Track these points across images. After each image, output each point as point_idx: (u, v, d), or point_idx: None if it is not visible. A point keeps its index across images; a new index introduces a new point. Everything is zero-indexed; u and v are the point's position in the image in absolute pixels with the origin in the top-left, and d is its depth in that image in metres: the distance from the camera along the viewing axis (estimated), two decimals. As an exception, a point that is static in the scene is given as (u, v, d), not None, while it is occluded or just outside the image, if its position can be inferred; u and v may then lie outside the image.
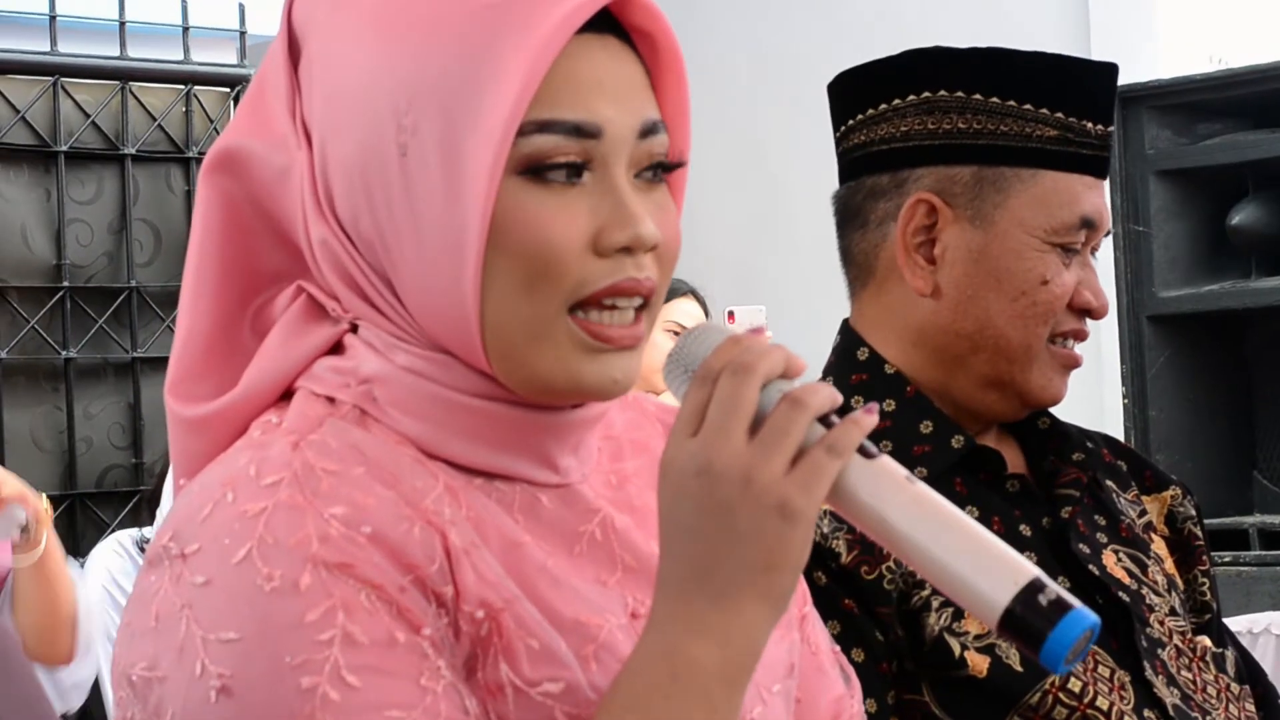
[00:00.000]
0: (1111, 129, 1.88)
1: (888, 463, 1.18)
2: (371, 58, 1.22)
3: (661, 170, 1.25)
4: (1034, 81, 1.84)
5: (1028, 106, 1.83)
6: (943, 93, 1.84)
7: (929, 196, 1.84)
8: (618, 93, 1.23)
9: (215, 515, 1.17)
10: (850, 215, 1.90)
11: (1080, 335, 1.86)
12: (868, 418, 1.17)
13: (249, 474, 1.18)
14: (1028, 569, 1.15)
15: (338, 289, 1.25)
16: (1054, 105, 1.83)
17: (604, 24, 1.24)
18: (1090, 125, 1.84)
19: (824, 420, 1.17)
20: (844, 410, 1.18)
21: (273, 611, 1.13)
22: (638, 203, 1.22)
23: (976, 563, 1.16)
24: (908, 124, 1.86)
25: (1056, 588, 1.15)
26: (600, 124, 1.21)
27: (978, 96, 1.83)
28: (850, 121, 1.90)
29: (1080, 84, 1.85)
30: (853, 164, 1.90)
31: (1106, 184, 1.89)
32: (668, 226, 1.24)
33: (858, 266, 1.91)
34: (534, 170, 1.20)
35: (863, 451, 1.17)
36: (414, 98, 1.20)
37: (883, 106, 1.87)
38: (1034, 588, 1.14)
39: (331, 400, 1.24)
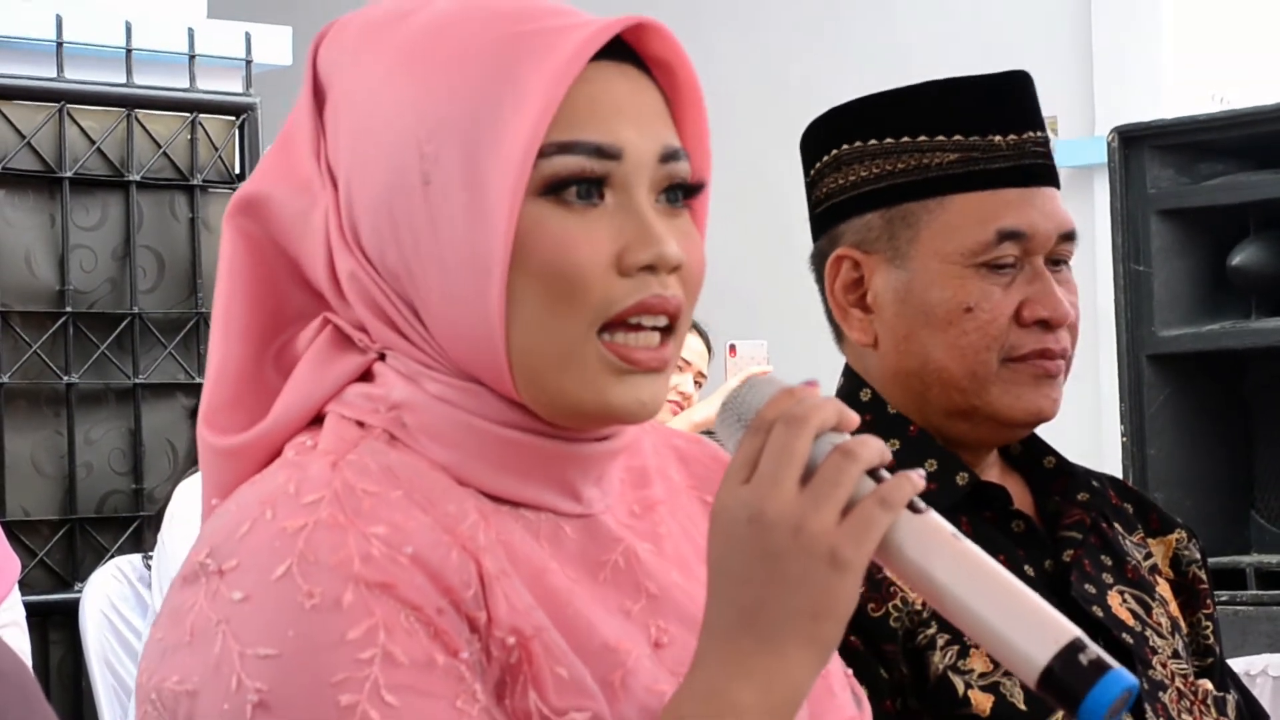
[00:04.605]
0: (1035, 134, 1.85)
1: (935, 519, 1.20)
2: (394, 94, 1.24)
3: (682, 193, 1.27)
4: (926, 112, 1.83)
5: (922, 138, 1.83)
6: (845, 146, 1.86)
7: (848, 251, 1.86)
8: (638, 118, 1.25)
9: (254, 532, 1.18)
10: (817, 278, 1.93)
11: (1048, 354, 1.83)
12: (918, 475, 1.19)
13: (288, 492, 1.19)
14: (1068, 629, 1.17)
15: (366, 320, 1.27)
16: (950, 129, 1.82)
17: (623, 54, 1.26)
18: (999, 139, 1.82)
19: (873, 474, 1.19)
20: (893, 466, 1.20)
21: (314, 628, 1.14)
22: (660, 224, 1.24)
23: (1018, 621, 1.17)
24: (825, 184, 1.89)
25: (1097, 648, 1.17)
26: (621, 146, 1.23)
27: (873, 142, 1.84)
28: (806, 187, 1.94)
29: (977, 100, 1.84)
30: (811, 228, 1.93)
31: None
32: (691, 251, 1.26)
33: (831, 324, 1.93)
34: (555, 190, 1.21)
35: (911, 507, 1.18)
36: (436, 127, 1.22)
37: (811, 172, 1.91)
38: (1074, 648, 1.16)
39: (361, 425, 1.25)
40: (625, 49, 1.26)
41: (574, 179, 1.22)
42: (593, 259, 1.21)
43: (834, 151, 1.86)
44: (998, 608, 1.17)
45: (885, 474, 1.19)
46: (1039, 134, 1.85)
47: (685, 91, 1.29)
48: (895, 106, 1.85)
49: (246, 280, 1.30)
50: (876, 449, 1.19)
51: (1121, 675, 1.16)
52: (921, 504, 1.19)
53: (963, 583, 1.18)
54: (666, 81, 1.29)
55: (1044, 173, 1.85)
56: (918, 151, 1.82)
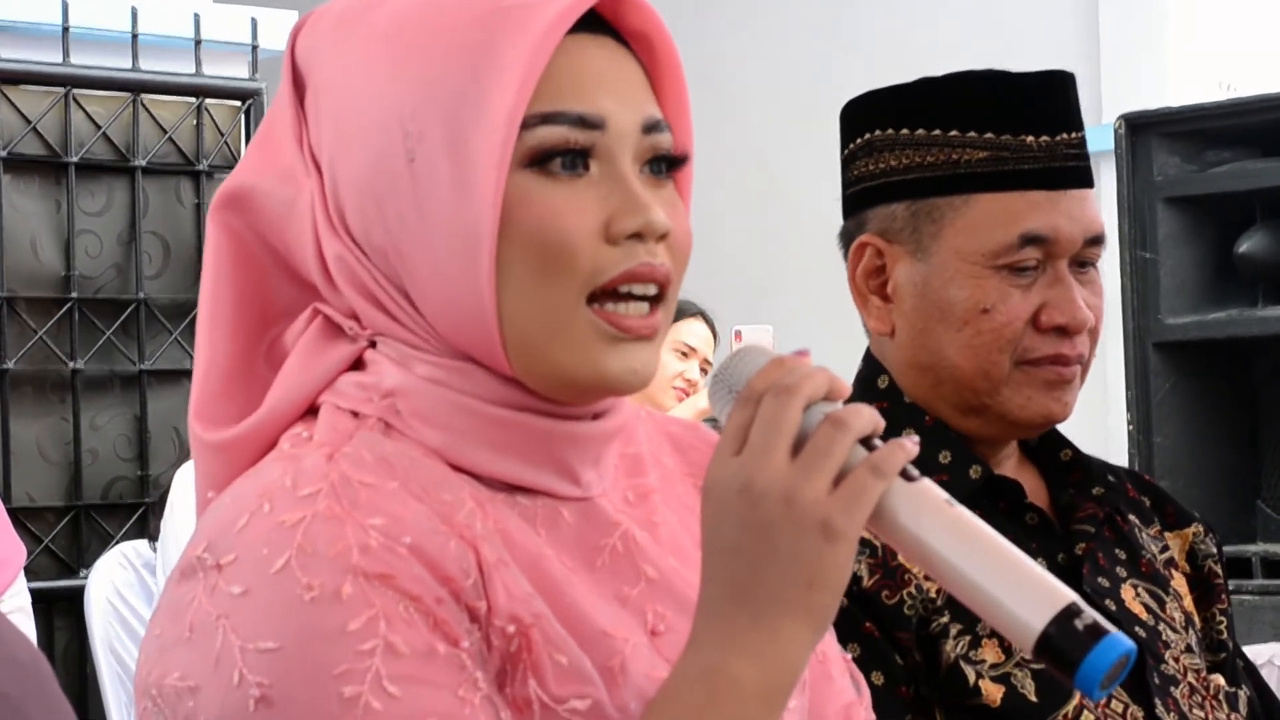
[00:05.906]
0: (1070, 136, 1.83)
1: (928, 486, 1.18)
2: (376, 75, 1.24)
3: (666, 165, 1.27)
4: (960, 107, 1.82)
5: (954, 133, 1.81)
6: (877, 132, 1.85)
7: (871, 239, 1.85)
8: (619, 88, 1.25)
9: (252, 525, 1.17)
10: (844, 256, 1.91)
11: (1062, 360, 1.82)
12: (911, 442, 1.18)
13: (285, 485, 1.19)
14: (1064, 593, 1.16)
15: (356, 303, 1.26)
16: (982, 127, 1.81)
17: (601, 28, 1.26)
18: (1031, 139, 1.80)
19: (865, 443, 1.18)
20: (885, 434, 1.19)
21: (314, 621, 1.14)
22: (646, 193, 1.24)
23: (1013, 587, 1.16)
24: (857, 168, 1.88)
25: (1093, 613, 1.15)
26: (603, 115, 1.23)
27: (905, 131, 1.83)
28: (840, 165, 1.92)
29: (1013, 99, 1.82)
30: (842, 207, 1.92)
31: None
32: (678, 221, 1.26)
33: (857, 306, 1.91)
34: (540, 161, 1.22)
35: (904, 474, 1.17)
36: (419, 105, 1.22)
37: (845, 152, 1.90)
38: (1070, 612, 1.15)
39: (356, 415, 1.25)
40: (603, 23, 1.27)
41: (558, 150, 1.22)
42: (580, 228, 1.21)
43: (867, 135, 1.85)
44: (992, 574, 1.16)
45: (878, 442, 1.18)
46: (1074, 135, 1.83)
47: (665, 64, 1.30)
48: (930, 97, 1.83)
49: (232, 276, 1.30)
50: (868, 417, 1.18)
51: (1119, 640, 1.14)
52: (914, 471, 1.18)
53: (957, 549, 1.17)
54: (645, 54, 1.29)
55: (1076, 175, 1.83)
56: (948, 146, 1.81)
